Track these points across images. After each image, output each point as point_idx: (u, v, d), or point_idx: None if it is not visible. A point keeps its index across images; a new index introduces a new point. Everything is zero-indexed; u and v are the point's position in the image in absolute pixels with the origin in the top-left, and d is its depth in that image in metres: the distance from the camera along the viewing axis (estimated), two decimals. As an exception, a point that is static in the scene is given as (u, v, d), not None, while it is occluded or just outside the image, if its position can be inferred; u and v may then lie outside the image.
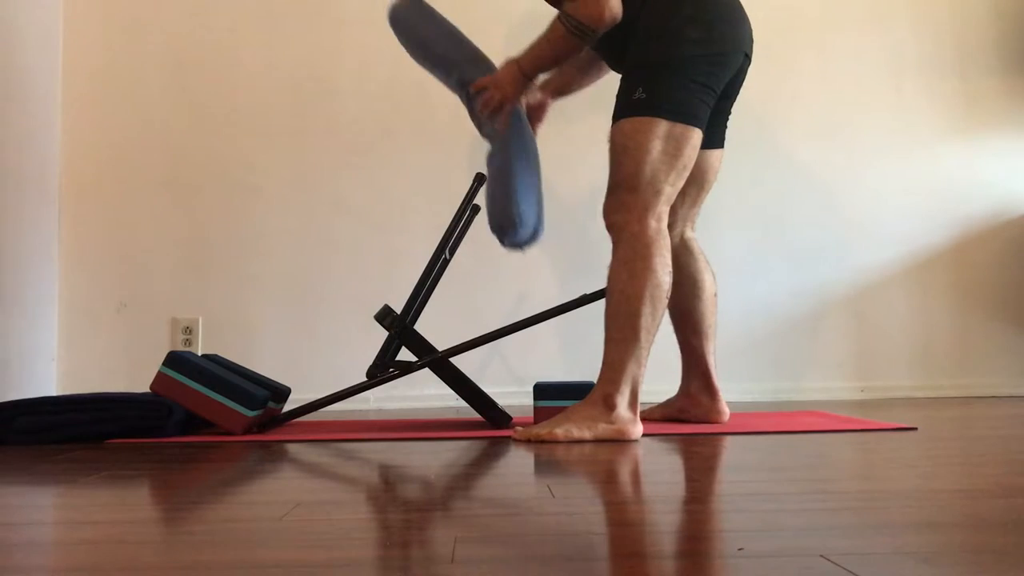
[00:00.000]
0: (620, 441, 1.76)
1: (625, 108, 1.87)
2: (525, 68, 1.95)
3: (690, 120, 1.86)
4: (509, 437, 1.85)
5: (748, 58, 1.98)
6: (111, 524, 1.07)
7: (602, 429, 1.77)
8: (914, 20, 3.09)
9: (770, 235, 2.97)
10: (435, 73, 2.11)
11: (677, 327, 2.13)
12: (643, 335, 1.80)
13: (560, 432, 1.75)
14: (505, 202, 1.94)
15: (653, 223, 1.83)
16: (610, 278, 1.85)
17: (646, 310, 1.79)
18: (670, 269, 1.84)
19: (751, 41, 1.98)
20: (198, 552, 0.91)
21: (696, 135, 1.88)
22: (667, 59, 1.86)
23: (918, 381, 2.98)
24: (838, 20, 3.06)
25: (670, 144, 1.84)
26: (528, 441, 1.77)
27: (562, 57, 1.94)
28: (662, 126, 1.83)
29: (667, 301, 1.84)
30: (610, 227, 1.88)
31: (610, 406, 1.78)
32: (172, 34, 2.89)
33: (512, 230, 1.95)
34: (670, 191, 1.87)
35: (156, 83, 2.87)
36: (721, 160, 2.13)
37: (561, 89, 2.22)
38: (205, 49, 2.89)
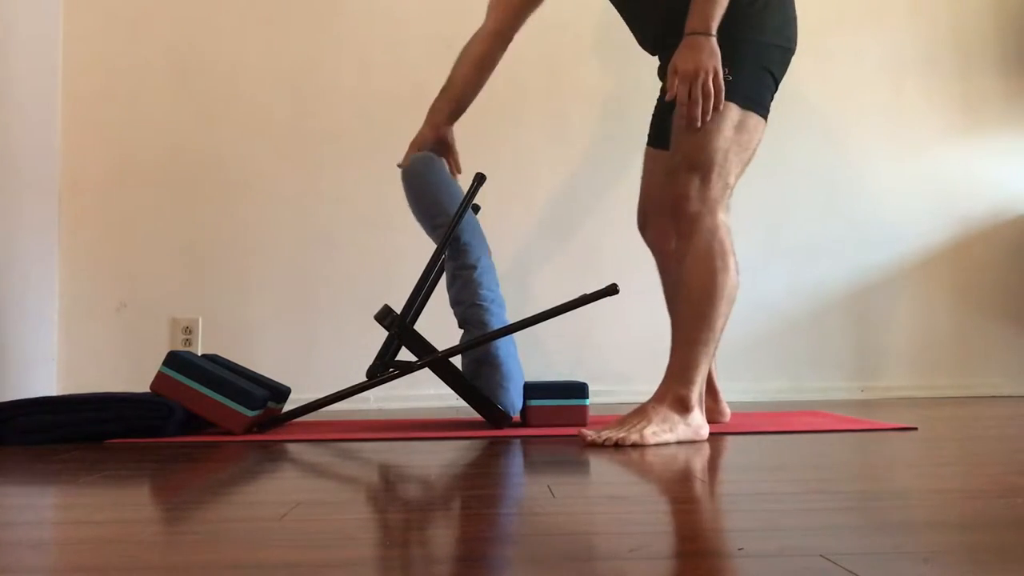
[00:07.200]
0: (695, 442, 1.73)
1: None
2: (710, 27, 1.70)
3: (762, 111, 1.79)
4: (576, 439, 1.73)
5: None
6: (111, 524, 1.07)
7: (682, 430, 1.72)
8: (914, 20, 3.08)
9: (770, 235, 2.97)
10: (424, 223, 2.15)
11: None
12: (718, 335, 1.77)
13: (648, 434, 1.67)
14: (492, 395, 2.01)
15: (723, 216, 1.78)
16: (687, 273, 1.77)
17: (724, 310, 1.76)
18: (739, 266, 1.81)
19: None
20: (198, 552, 0.91)
21: (762, 129, 1.80)
22: (751, 40, 1.77)
23: (918, 381, 2.98)
24: (837, 20, 3.05)
25: (743, 135, 1.76)
26: (602, 445, 1.66)
27: None
28: (737, 113, 1.75)
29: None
30: (682, 212, 1.77)
31: (687, 408, 1.73)
32: (172, 34, 2.89)
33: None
34: (733, 183, 1.81)
35: (156, 83, 2.87)
36: None
37: (456, 113, 2.17)
38: (205, 49, 2.89)
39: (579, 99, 2.95)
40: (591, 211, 2.90)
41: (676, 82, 1.71)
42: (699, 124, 1.72)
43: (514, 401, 2.06)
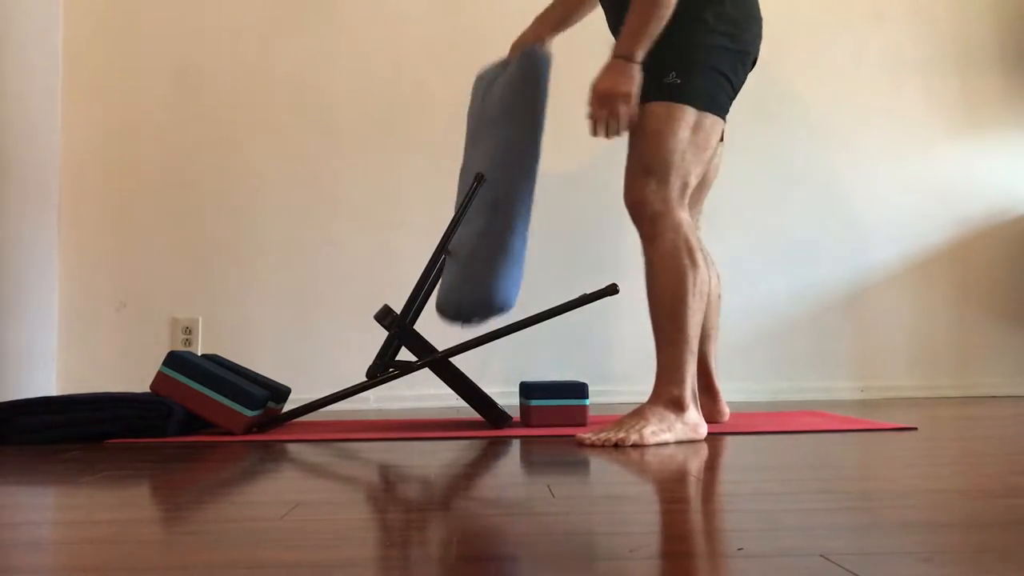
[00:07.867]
0: (694, 441, 1.74)
1: (657, 91, 1.80)
2: (634, 54, 1.77)
3: (717, 111, 1.83)
4: (575, 439, 1.74)
5: (755, 63, 1.95)
6: (111, 524, 1.07)
7: (680, 430, 1.74)
8: (914, 20, 3.09)
9: (770, 235, 2.97)
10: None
11: None
12: (696, 331, 1.79)
13: (648, 434, 1.69)
14: (484, 288, 1.94)
15: (684, 214, 1.81)
16: (656, 274, 1.80)
17: (698, 306, 1.78)
18: (706, 259, 1.83)
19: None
20: (198, 552, 0.91)
21: (720, 128, 1.87)
22: (698, 44, 1.81)
23: (918, 381, 2.98)
24: (836, 19, 3.05)
25: (699, 135, 1.80)
26: (602, 446, 1.67)
27: (663, 19, 1.76)
28: (692, 115, 1.79)
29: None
30: (642, 215, 1.81)
31: (681, 407, 1.75)
32: (172, 34, 2.89)
33: (481, 318, 1.97)
34: (693, 182, 1.84)
35: (156, 83, 2.87)
36: (721, 157, 2.11)
37: (561, 24, 2.15)
38: (205, 49, 2.89)
39: (579, 97, 2.94)
40: (591, 210, 2.89)
41: (592, 99, 1.80)
42: (607, 138, 1.82)
43: (508, 290, 2.00)
